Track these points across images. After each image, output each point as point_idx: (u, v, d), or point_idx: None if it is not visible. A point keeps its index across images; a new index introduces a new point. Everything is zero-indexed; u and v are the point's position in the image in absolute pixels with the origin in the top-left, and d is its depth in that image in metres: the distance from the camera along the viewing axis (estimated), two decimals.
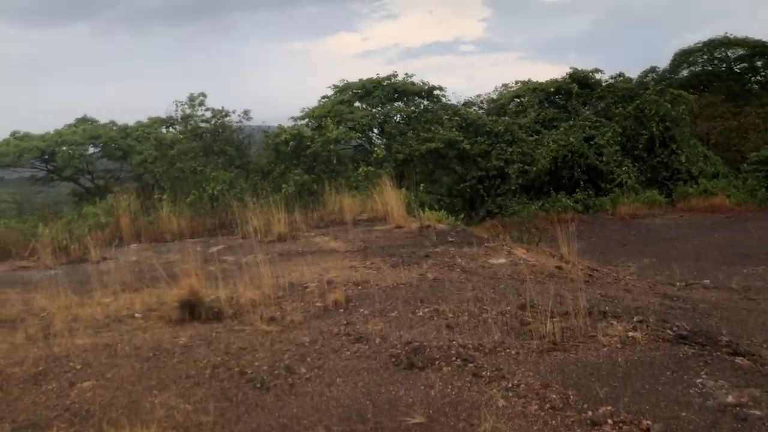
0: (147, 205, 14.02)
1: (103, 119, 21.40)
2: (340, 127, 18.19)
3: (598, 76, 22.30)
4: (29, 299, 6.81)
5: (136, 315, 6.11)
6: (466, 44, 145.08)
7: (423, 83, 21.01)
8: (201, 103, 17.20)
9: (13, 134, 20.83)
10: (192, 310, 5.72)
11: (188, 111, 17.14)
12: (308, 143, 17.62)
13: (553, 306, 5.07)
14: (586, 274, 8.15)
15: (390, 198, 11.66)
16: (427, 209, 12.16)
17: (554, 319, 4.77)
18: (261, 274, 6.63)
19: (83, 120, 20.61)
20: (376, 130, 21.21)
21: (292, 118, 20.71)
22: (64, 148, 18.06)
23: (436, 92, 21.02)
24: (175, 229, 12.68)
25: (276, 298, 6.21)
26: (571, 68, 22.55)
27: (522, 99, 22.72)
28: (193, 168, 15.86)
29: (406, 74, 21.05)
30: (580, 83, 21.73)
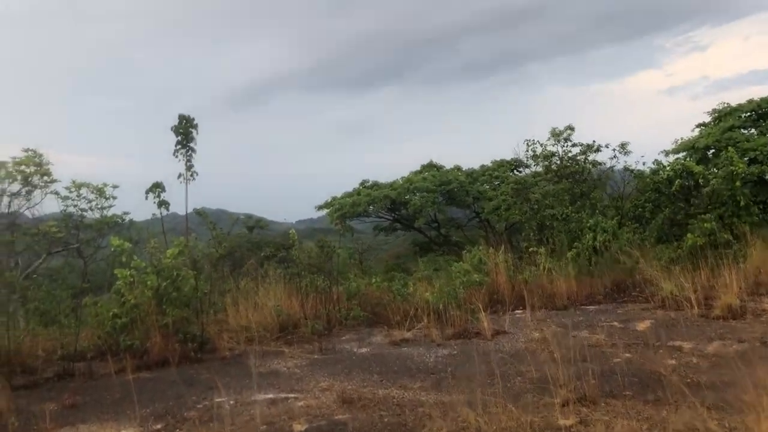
0: (513, 260, 12.31)
1: (447, 164, 21.14)
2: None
3: None
4: (447, 405, 5.13)
5: None
6: None
7: None
8: (567, 138, 15.13)
9: (363, 183, 21.77)
10: None
11: (552, 148, 15.21)
12: (699, 180, 14.23)
13: None
14: None
15: None
16: None
17: None
18: None
19: (429, 166, 20.51)
20: None
21: (663, 152, 18.02)
22: (416, 195, 17.74)
23: None
24: (562, 291, 10.61)
25: None
26: None
27: None
28: (564, 214, 13.75)
29: None
30: None
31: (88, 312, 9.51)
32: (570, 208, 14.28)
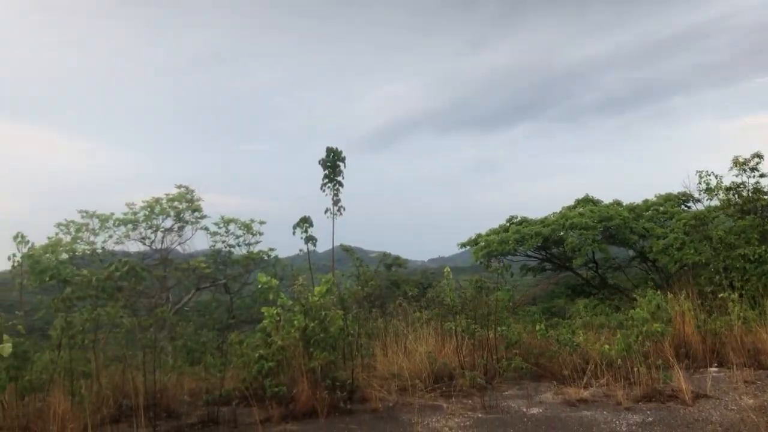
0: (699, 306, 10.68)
1: (605, 199, 19.54)
2: None
3: None
4: None
5: None
6: None
7: None
8: (754, 168, 13.26)
9: (510, 220, 20.65)
10: None
11: (735, 179, 13.40)
12: None
13: None
14: None
15: None
16: None
17: None
18: None
19: (585, 200, 19.06)
20: None
21: None
22: (573, 232, 16.38)
23: None
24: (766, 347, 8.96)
25: None
26: None
27: None
28: (757, 254, 11.89)
29: None
30: None
31: (234, 351, 9.30)
32: (763, 247, 12.36)
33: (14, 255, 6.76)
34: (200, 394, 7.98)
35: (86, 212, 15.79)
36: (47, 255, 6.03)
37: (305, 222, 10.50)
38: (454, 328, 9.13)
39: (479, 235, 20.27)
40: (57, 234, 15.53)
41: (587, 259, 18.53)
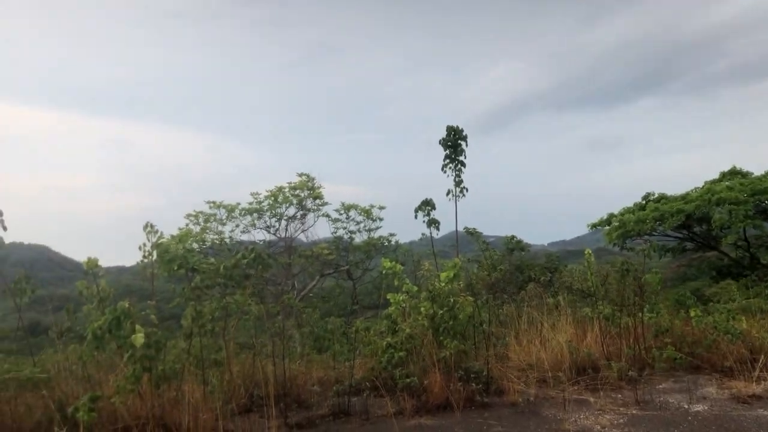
0: None
1: (755, 170, 17.61)
2: None
3: None
4: None
5: None
6: None
7: None
8: None
9: (646, 197, 19.19)
10: None
11: None
12: None
13: None
14: None
15: None
16: None
17: None
18: None
19: (732, 173, 17.29)
20: None
21: None
22: (722, 208, 14.87)
23: None
24: None
25: None
26: None
27: None
28: None
29: None
30: None
31: (360, 338, 9.11)
32: None
33: (145, 245, 6.84)
34: (329, 384, 7.83)
35: (213, 203, 16.38)
36: (176, 245, 6.01)
37: (428, 205, 10.10)
38: (595, 314, 8.41)
39: (612, 215, 18.99)
40: (187, 225, 16.25)
41: (738, 237, 16.83)
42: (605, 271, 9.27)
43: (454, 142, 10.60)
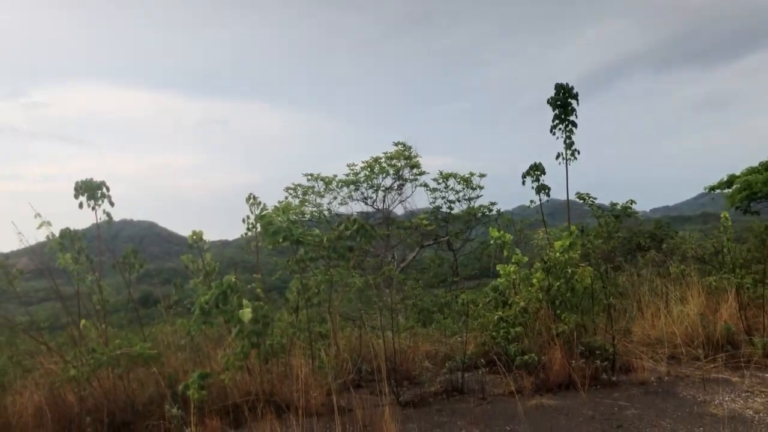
0: None
1: None
2: None
3: None
4: None
5: None
6: None
7: None
8: None
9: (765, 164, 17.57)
10: None
11: None
12: None
13: None
14: None
15: None
16: None
17: None
18: None
19: None
20: None
21: None
22: None
23: None
24: None
25: None
26: None
27: None
28: None
29: None
30: None
31: (462, 311, 8.71)
32: None
33: (248, 217, 6.72)
34: (437, 359, 7.53)
35: (311, 175, 16.37)
36: (280, 216, 5.83)
37: (536, 170, 9.51)
38: (733, 284, 7.61)
39: (733, 176, 17.51)
40: (286, 198, 16.35)
41: None
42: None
43: (563, 101, 9.88)
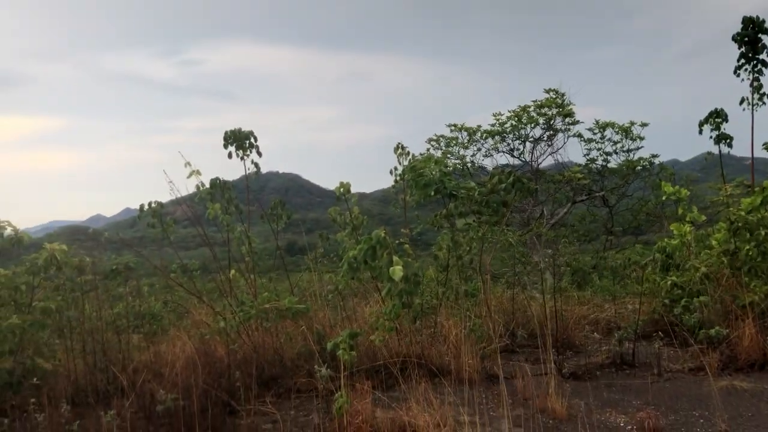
0: None
1: None
2: None
3: None
4: None
5: None
6: None
7: None
8: None
9: None
10: None
11: None
12: None
13: None
14: None
15: None
16: None
17: None
18: None
19: None
20: None
21: None
22: None
23: None
24: None
25: None
26: None
27: None
28: None
29: None
30: None
31: (621, 273, 7.94)
32: None
33: (396, 168, 6.39)
34: (598, 325, 6.91)
35: (455, 126, 15.80)
36: (432, 167, 5.43)
37: (717, 116, 8.40)
38: None
39: None
40: (428, 150, 15.95)
41: None
42: None
43: (752, 37, 8.60)
